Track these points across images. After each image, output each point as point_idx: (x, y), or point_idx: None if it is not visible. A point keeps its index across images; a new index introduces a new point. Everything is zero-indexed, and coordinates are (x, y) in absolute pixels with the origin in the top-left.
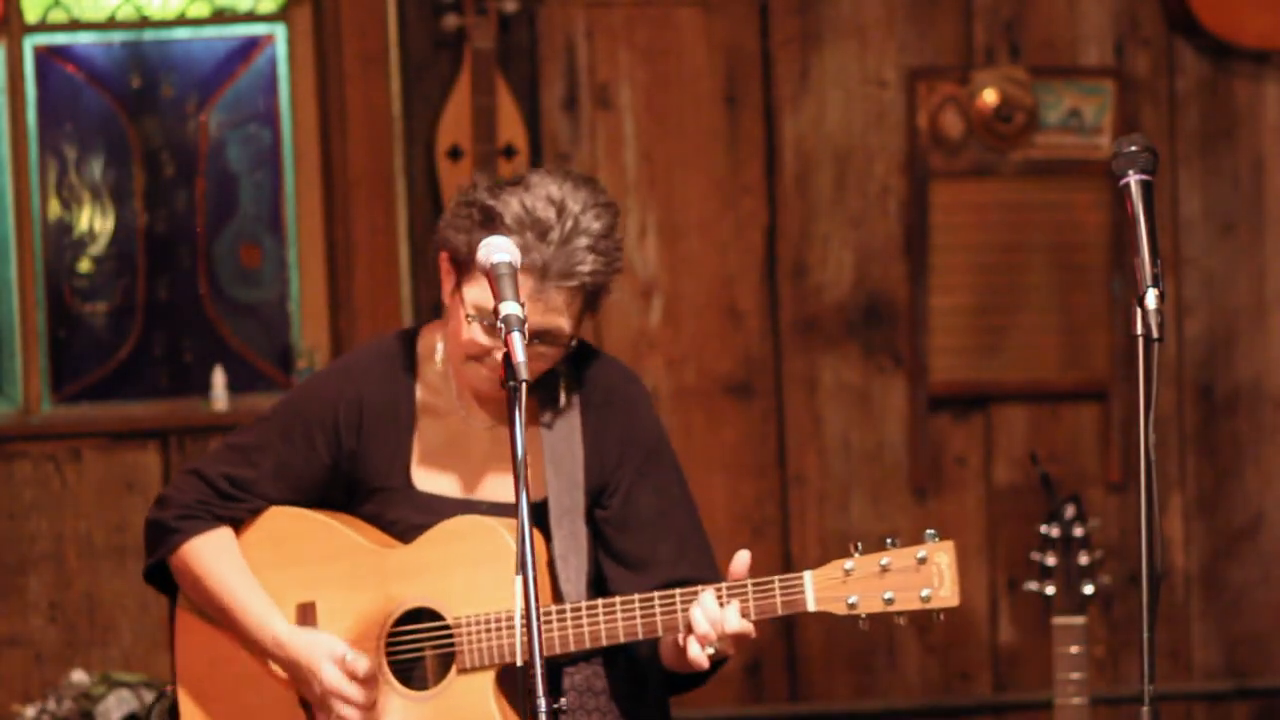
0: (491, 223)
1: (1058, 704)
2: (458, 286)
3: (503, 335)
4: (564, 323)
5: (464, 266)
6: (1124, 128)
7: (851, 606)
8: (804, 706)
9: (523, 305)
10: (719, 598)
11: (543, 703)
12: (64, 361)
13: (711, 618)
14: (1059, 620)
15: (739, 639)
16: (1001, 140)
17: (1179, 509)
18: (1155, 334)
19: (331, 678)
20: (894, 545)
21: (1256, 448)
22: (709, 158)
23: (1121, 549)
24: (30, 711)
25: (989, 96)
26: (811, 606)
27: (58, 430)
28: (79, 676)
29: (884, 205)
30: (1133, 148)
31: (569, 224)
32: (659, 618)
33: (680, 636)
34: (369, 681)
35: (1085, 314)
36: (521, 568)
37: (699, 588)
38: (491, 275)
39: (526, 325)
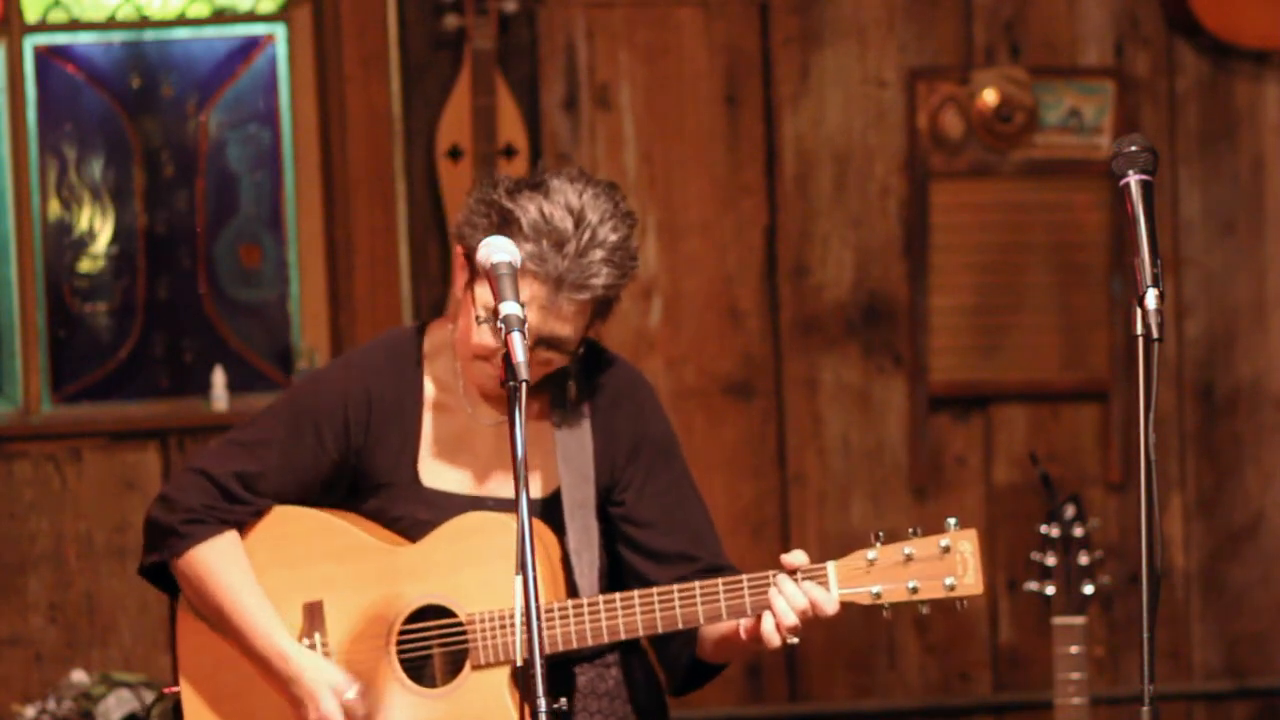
0: (508, 226)
1: (1058, 704)
2: (469, 284)
3: (503, 335)
4: (572, 331)
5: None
6: (1124, 128)
7: (876, 596)
8: (804, 706)
9: (523, 306)
10: (791, 577)
11: (543, 703)
12: (64, 361)
13: (801, 603)
14: (1059, 620)
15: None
16: (1001, 140)
17: (1179, 509)
18: (1155, 334)
19: (329, 708)
20: (916, 535)
21: (1256, 448)
22: (709, 158)
23: (1121, 549)
24: (30, 711)
25: (989, 96)
26: (835, 597)
27: (58, 430)
28: (79, 676)
29: (884, 205)
30: (1133, 148)
31: (586, 235)
32: (741, 600)
33: (747, 622)
34: None
35: (1085, 314)
36: (521, 568)
37: (768, 573)
38: (491, 275)
39: (533, 331)
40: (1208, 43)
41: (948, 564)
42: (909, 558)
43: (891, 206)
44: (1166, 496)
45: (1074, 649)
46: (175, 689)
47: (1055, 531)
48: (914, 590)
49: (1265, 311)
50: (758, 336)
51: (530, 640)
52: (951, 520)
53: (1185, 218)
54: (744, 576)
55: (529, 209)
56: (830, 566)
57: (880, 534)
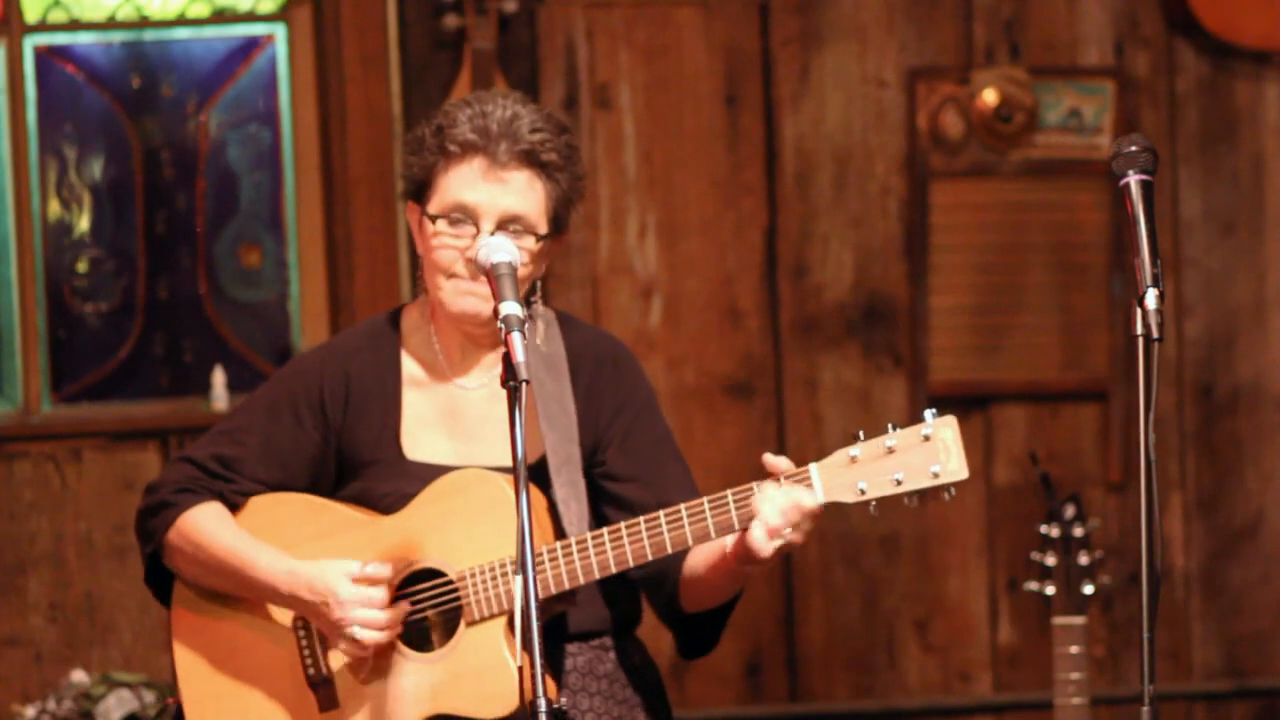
0: (443, 130)
1: (1058, 704)
2: (423, 216)
3: (503, 335)
4: (527, 207)
5: (423, 189)
6: (1124, 128)
7: (862, 492)
8: (804, 706)
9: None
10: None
11: (543, 703)
12: (64, 361)
13: (786, 502)
14: (1059, 620)
15: (815, 517)
16: (1001, 140)
17: (1179, 509)
18: (1155, 334)
19: (349, 592)
20: (895, 429)
21: (1256, 448)
22: (709, 158)
23: (1121, 549)
24: (30, 711)
25: (989, 96)
26: (821, 497)
27: (58, 430)
28: (79, 676)
29: (884, 205)
30: (1133, 148)
31: (513, 109)
32: (728, 515)
33: (732, 539)
34: (387, 586)
35: (1085, 314)
36: (522, 567)
37: (750, 485)
38: (491, 275)
39: (489, 213)
40: (1208, 43)
41: (930, 452)
42: (891, 450)
43: (891, 206)
44: (1166, 496)
45: (1074, 649)
46: (174, 700)
47: (1055, 531)
48: (899, 482)
49: (1265, 311)
50: (758, 336)
51: (530, 639)
52: (930, 410)
53: (1185, 218)
54: (728, 491)
55: (462, 110)
56: (814, 468)
57: (861, 432)
